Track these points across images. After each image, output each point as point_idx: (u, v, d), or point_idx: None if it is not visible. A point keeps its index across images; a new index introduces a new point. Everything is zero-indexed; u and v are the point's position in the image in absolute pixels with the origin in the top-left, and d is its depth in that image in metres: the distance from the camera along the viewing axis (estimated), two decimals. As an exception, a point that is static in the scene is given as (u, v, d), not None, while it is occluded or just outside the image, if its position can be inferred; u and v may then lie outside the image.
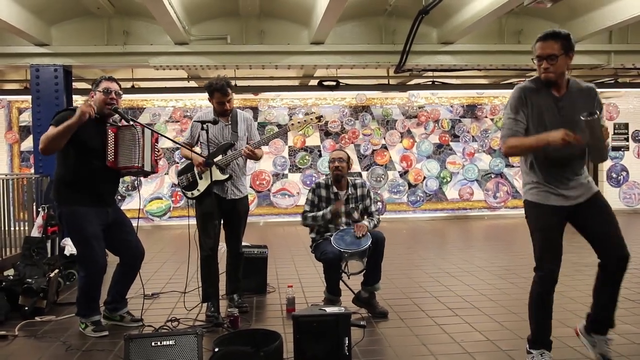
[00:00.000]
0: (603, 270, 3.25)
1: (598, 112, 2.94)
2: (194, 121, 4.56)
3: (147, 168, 4.09)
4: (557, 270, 3.17)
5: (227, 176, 4.45)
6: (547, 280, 3.18)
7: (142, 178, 10.42)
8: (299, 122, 4.66)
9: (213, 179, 4.35)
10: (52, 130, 3.77)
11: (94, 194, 4.01)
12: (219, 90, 4.44)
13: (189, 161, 4.60)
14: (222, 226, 4.58)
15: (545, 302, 3.24)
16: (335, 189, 4.61)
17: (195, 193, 4.52)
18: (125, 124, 4.03)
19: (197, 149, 4.66)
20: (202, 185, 4.47)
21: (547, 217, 3.20)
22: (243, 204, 4.68)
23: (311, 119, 4.68)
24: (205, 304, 4.52)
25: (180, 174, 4.67)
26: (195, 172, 4.52)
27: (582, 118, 2.92)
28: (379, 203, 11.06)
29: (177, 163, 10.63)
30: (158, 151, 4.23)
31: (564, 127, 2.98)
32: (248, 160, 4.71)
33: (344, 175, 4.58)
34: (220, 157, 4.43)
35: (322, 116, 4.87)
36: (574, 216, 3.23)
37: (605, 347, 3.30)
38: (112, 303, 4.26)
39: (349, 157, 4.66)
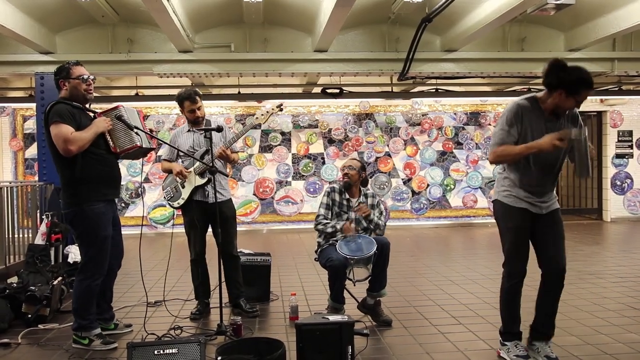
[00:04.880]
0: (546, 282, 3.53)
1: (585, 131, 3.23)
2: (175, 131, 4.82)
3: (146, 145, 4.12)
4: (524, 266, 3.49)
5: (205, 180, 4.59)
6: (516, 275, 3.52)
7: (145, 183, 10.45)
8: (262, 115, 4.84)
9: (194, 185, 4.60)
10: (82, 133, 3.78)
11: (108, 183, 4.02)
12: (187, 99, 4.70)
13: (170, 174, 4.80)
14: (212, 231, 4.64)
15: (515, 296, 3.56)
16: (347, 196, 4.65)
17: (181, 202, 4.73)
18: (107, 108, 4.04)
19: (180, 161, 4.80)
20: (185, 192, 4.67)
21: (519, 219, 3.49)
22: (227, 207, 4.78)
23: (272, 108, 4.87)
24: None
25: (165, 187, 4.87)
26: (178, 182, 4.70)
27: (571, 132, 3.20)
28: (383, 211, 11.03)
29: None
30: (151, 130, 4.27)
31: None
32: (235, 165, 4.80)
33: (353, 183, 4.64)
34: (197, 164, 4.59)
35: (282, 104, 5.04)
36: (534, 224, 3.50)
37: (548, 349, 3.50)
38: (102, 313, 4.18)
39: (363, 166, 4.72)
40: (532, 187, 3.43)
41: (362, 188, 4.74)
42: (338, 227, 4.51)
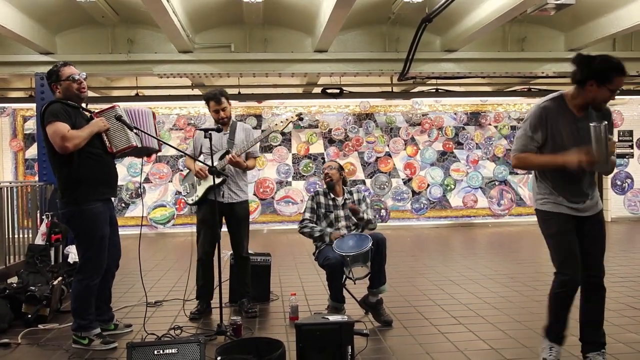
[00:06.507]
0: (584, 290, 3.30)
1: (606, 122, 3.00)
2: (198, 130, 4.78)
3: (148, 144, 4.12)
4: (578, 273, 3.21)
5: (220, 180, 4.59)
6: (569, 283, 3.23)
7: (145, 183, 10.44)
8: (281, 122, 4.95)
9: (209, 184, 4.60)
10: (78, 132, 3.77)
11: (105, 182, 4.01)
12: (212, 99, 4.74)
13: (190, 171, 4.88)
14: (226, 230, 4.69)
15: (563, 303, 3.29)
16: (332, 195, 4.73)
17: (195, 199, 4.77)
18: (105, 107, 4.03)
19: (201, 158, 4.78)
20: (200, 190, 4.72)
21: (562, 224, 3.27)
22: (242, 208, 4.81)
23: (292, 116, 4.99)
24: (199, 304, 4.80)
25: (183, 182, 4.97)
26: (195, 179, 4.78)
27: (590, 124, 3.00)
28: (382, 210, 11.05)
29: (181, 171, 10.64)
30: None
31: (580, 147, 3.06)
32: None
33: (336, 182, 4.73)
34: (216, 163, 4.61)
35: (301, 113, 5.20)
36: (578, 227, 3.28)
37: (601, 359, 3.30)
38: (101, 314, 4.16)
39: (340, 166, 4.83)
40: (567, 190, 3.24)
41: (344, 187, 4.82)
42: (329, 230, 4.58)
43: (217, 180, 4.56)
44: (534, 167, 3.35)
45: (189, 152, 4.91)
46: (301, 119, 5.02)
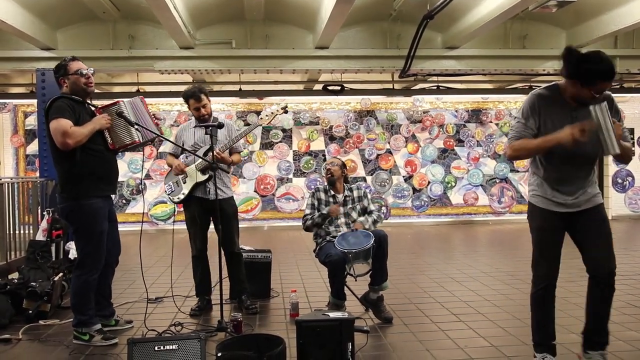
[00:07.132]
0: (593, 285, 3.21)
1: (605, 102, 2.89)
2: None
3: (149, 137, 4.12)
4: (551, 272, 3.20)
5: (206, 177, 4.59)
6: (540, 280, 3.24)
7: (146, 180, 10.44)
8: (267, 116, 4.91)
9: (195, 181, 4.62)
10: (80, 128, 3.78)
11: (106, 179, 4.01)
12: (192, 97, 4.67)
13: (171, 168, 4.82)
14: (216, 228, 4.65)
15: (541, 303, 3.26)
16: (332, 192, 4.76)
17: (181, 197, 4.74)
18: (109, 102, 4.03)
19: (183, 156, 4.82)
20: (186, 188, 4.70)
21: (544, 220, 3.23)
22: (229, 204, 4.80)
23: (277, 110, 4.92)
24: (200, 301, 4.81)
25: (166, 181, 4.90)
26: (179, 177, 4.74)
27: (590, 107, 2.88)
28: (383, 208, 11.04)
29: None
30: (157, 117, 4.27)
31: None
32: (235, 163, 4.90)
33: (337, 178, 4.75)
34: (199, 160, 4.60)
35: (286, 106, 5.11)
36: (572, 224, 3.20)
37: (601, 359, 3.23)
38: (101, 310, 4.17)
39: (343, 164, 4.86)
40: (559, 183, 3.14)
41: (345, 184, 4.83)
42: (325, 211, 4.59)
43: (204, 177, 4.58)
44: (530, 152, 3.17)
45: (170, 150, 4.88)
46: (286, 112, 4.99)
